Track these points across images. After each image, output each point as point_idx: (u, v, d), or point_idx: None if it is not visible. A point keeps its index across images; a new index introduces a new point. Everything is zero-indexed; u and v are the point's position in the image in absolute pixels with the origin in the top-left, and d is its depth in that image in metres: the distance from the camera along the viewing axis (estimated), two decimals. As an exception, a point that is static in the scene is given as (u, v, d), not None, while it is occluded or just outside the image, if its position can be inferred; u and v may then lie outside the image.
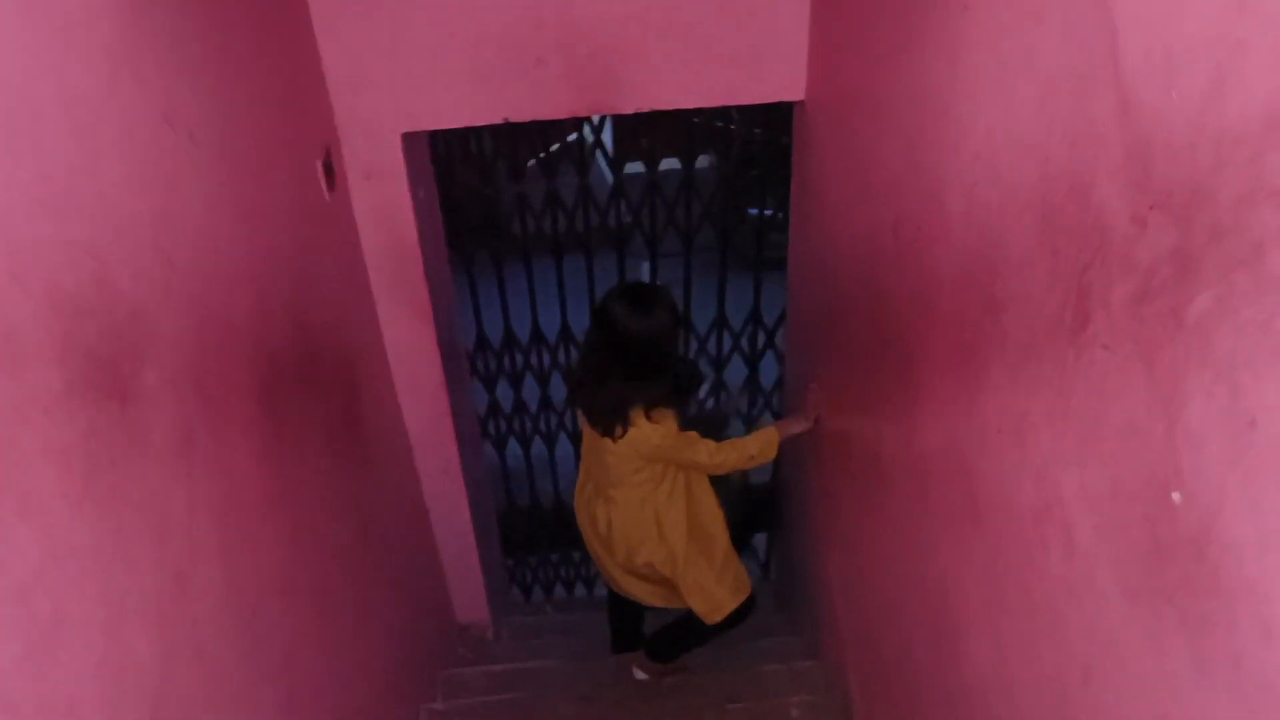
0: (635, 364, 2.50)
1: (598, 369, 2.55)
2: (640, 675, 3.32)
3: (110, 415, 1.30)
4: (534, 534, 4.84)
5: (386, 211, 2.88)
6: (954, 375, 1.65)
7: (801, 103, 2.86)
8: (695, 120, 4.54)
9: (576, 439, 3.90)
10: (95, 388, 1.26)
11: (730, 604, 2.93)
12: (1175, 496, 0.96)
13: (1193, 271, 0.91)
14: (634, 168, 4.02)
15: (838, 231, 2.57)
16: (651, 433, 2.51)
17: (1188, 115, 0.90)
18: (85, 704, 1.19)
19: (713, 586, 2.88)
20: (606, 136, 4.01)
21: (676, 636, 3.23)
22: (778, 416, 3.90)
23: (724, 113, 4.35)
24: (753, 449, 2.74)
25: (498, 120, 2.81)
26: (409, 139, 2.81)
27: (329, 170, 2.54)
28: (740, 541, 3.04)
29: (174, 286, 1.53)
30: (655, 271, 4.06)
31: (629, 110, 2.84)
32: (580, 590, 5.03)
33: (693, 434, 2.62)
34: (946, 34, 1.60)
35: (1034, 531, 1.35)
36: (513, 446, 4.50)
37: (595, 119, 3.82)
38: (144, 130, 1.49)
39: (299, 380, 2.15)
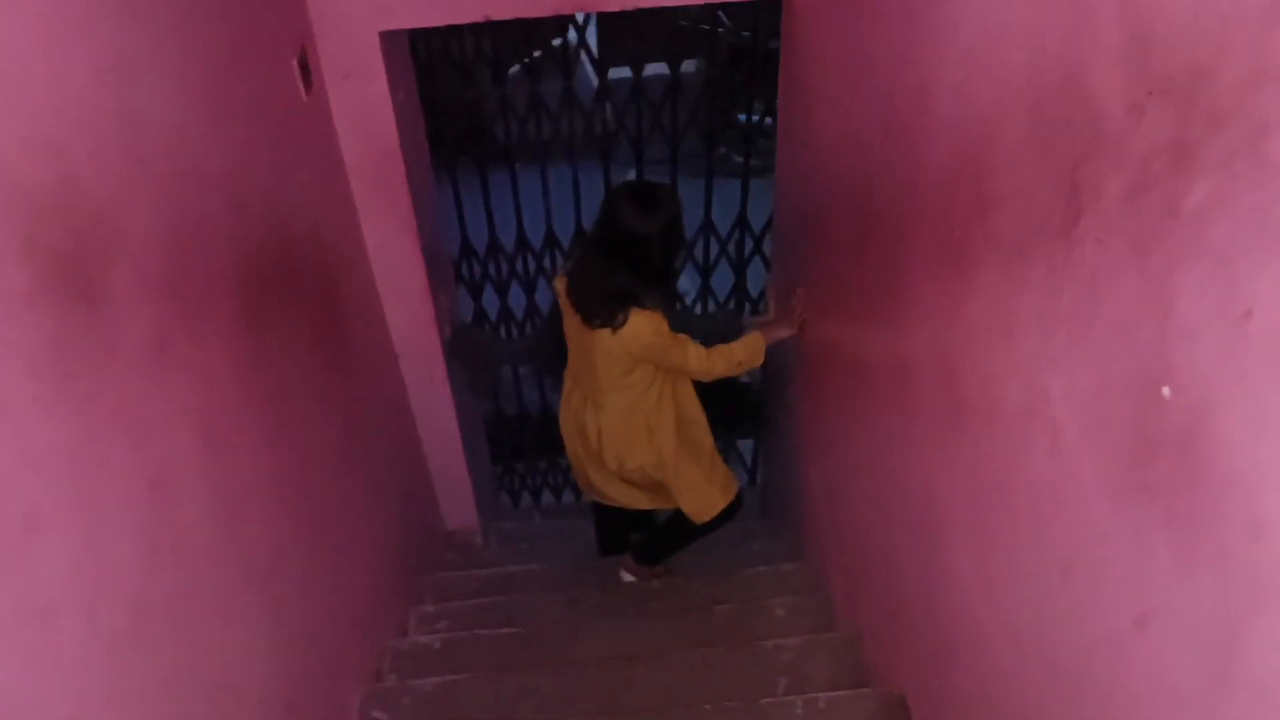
0: (638, 260, 2.50)
1: (602, 262, 2.54)
2: (627, 578, 3.36)
3: (80, 318, 1.27)
4: (522, 441, 4.85)
5: (366, 114, 2.80)
6: (942, 276, 1.63)
7: (789, 1, 2.79)
8: (682, 23, 4.44)
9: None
10: (62, 289, 1.23)
11: (720, 503, 2.97)
12: (1165, 391, 0.95)
13: (1190, 161, 0.88)
14: (619, 73, 3.93)
15: (826, 133, 2.52)
16: (644, 327, 2.50)
17: (1191, -4, 0.86)
18: (64, 607, 1.19)
19: (703, 486, 2.92)
20: (591, 40, 3.91)
21: (663, 539, 3.26)
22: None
23: (711, 15, 4.25)
24: (740, 354, 2.73)
25: (478, 18, 2.72)
26: (387, 38, 2.73)
27: (305, 69, 2.46)
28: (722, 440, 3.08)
29: (142, 185, 1.49)
30: (641, 177, 4.00)
31: (613, 8, 2.75)
32: (568, 496, 5.07)
33: (683, 336, 2.61)
34: (941, -80, 1.53)
35: (1019, 431, 1.35)
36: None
37: (580, 18, 3.72)
38: (105, 21, 1.43)
39: (279, 286, 2.11)
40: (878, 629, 2.40)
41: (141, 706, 1.37)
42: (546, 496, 5.10)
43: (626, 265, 2.50)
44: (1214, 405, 0.87)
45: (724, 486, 2.99)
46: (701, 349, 2.66)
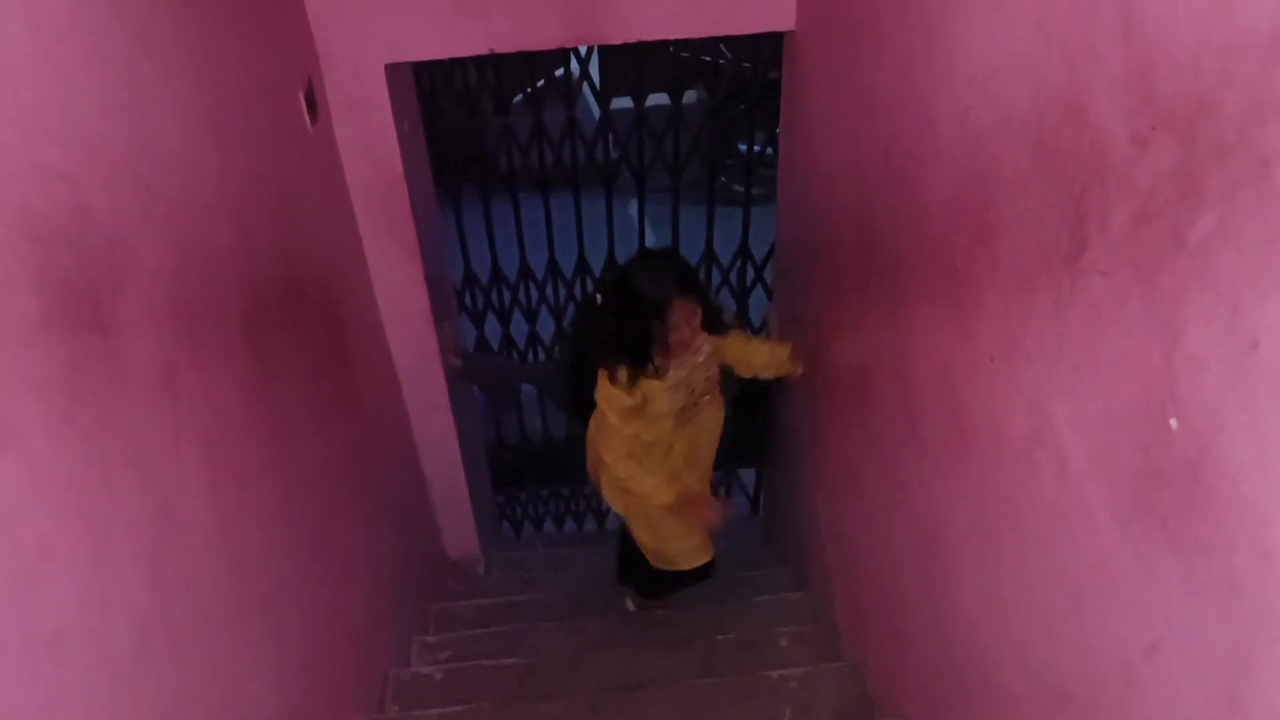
0: (620, 319, 2.49)
1: (601, 306, 2.61)
2: (631, 606, 3.35)
3: (90, 346, 1.27)
4: (523, 470, 4.85)
5: (371, 144, 2.83)
6: (945, 304, 1.64)
7: (792, 32, 2.81)
8: (684, 55, 4.47)
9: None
10: (73, 317, 1.24)
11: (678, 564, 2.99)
12: (1172, 423, 0.95)
13: (1195, 192, 0.89)
14: (621, 103, 3.96)
15: (828, 162, 2.54)
16: (601, 395, 2.58)
17: (1193, 28, 0.88)
18: (72, 636, 1.19)
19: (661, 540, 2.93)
20: (593, 71, 3.95)
21: (660, 577, 3.22)
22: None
23: (712, 47, 4.30)
24: (642, 485, 2.66)
25: (482, 51, 2.75)
26: (392, 70, 2.75)
27: (311, 101, 2.48)
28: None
29: (152, 215, 1.50)
30: (643, 207, 4.02)
31: (616, 41, 2.79)
32: (570, 526, 5.06)
33: (616, 423, 2.59)
34: (943, -46, 1.56)
35: (1025, 459, 1.35)
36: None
37: (582, 50, 3.75)
38: (117, 52, 1.44)
39: (285, 314, 2.12)
40: (884, 659, 2.39)
41: (147, 735, 1.37)
42: (548, 526, 5.09)
43: (613, 319, 2.51)
44: (1222, 433, 0.87)
45: (694, 550, 2.97)
46: (621, 447, 2.63)
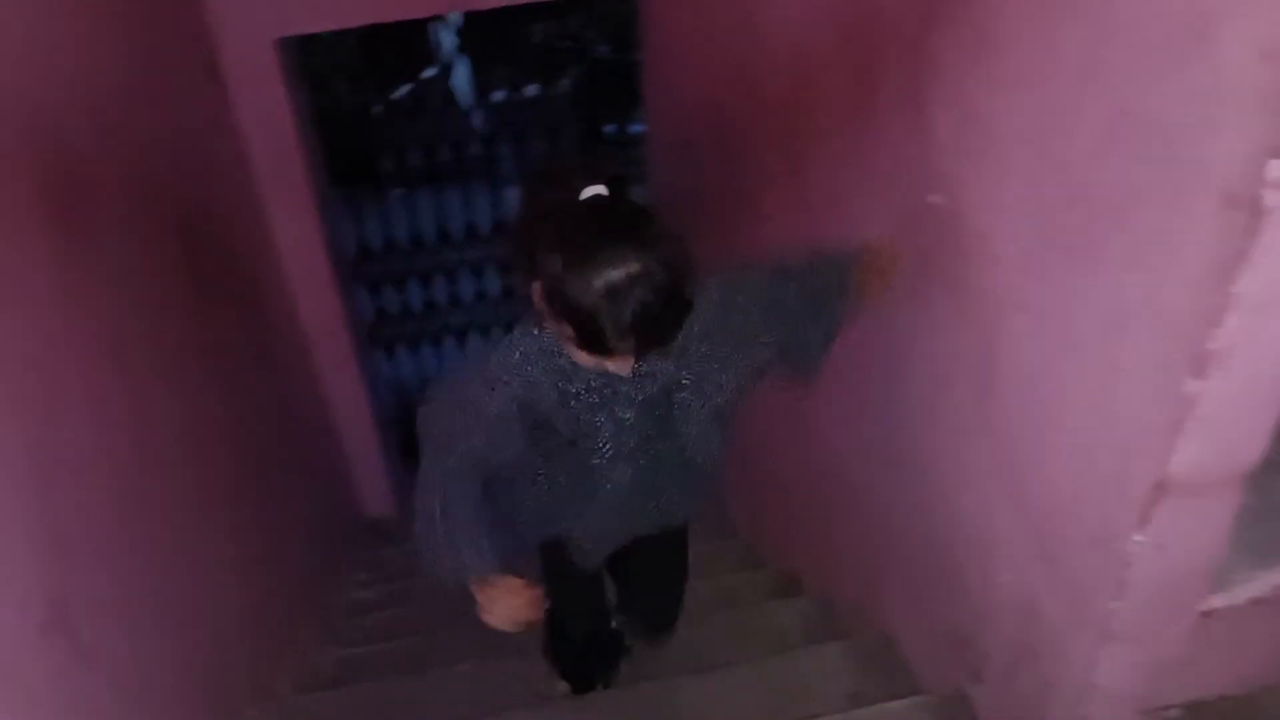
0: None
1: None
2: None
3: (70, 243, 1.53)
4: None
5: (266, 115, 3.01)
6: (784, 175, 1.99)
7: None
8: (557, 43, 4.79)
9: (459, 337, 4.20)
10: (57, 212, 1.49)
11: None
12: (934, 199, 1.30)
13: (931, 19, 1.23)
14: (494, 96, 4.25)
15: (688, 108, 2.86)
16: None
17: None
18: (91, 460, 1.44)
19: None
20: (465, 68, 4.23)
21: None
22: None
23: (576, 35, 4.62)
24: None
25: (364, 21, 2.99)
26: (282, 44, 2.96)
27: (212, 73, 2.70)
28: None
29: (110, 144, 1.77)
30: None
31: (485, 6, 3.07)
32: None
33: None
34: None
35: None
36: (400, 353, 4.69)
37: (453, 46, 4.02)
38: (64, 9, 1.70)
39: (214, 255, 2.39)
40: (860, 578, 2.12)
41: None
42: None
43: None
44: (964, 193, 1.23)
45: None
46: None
